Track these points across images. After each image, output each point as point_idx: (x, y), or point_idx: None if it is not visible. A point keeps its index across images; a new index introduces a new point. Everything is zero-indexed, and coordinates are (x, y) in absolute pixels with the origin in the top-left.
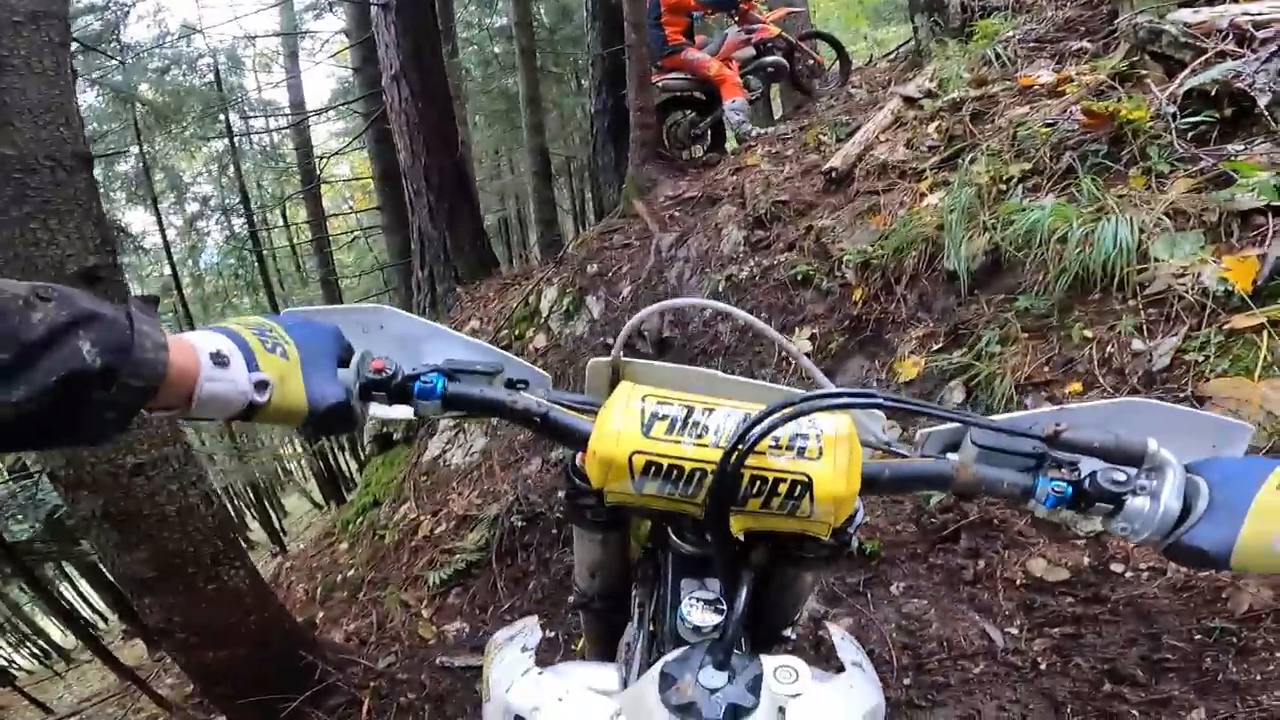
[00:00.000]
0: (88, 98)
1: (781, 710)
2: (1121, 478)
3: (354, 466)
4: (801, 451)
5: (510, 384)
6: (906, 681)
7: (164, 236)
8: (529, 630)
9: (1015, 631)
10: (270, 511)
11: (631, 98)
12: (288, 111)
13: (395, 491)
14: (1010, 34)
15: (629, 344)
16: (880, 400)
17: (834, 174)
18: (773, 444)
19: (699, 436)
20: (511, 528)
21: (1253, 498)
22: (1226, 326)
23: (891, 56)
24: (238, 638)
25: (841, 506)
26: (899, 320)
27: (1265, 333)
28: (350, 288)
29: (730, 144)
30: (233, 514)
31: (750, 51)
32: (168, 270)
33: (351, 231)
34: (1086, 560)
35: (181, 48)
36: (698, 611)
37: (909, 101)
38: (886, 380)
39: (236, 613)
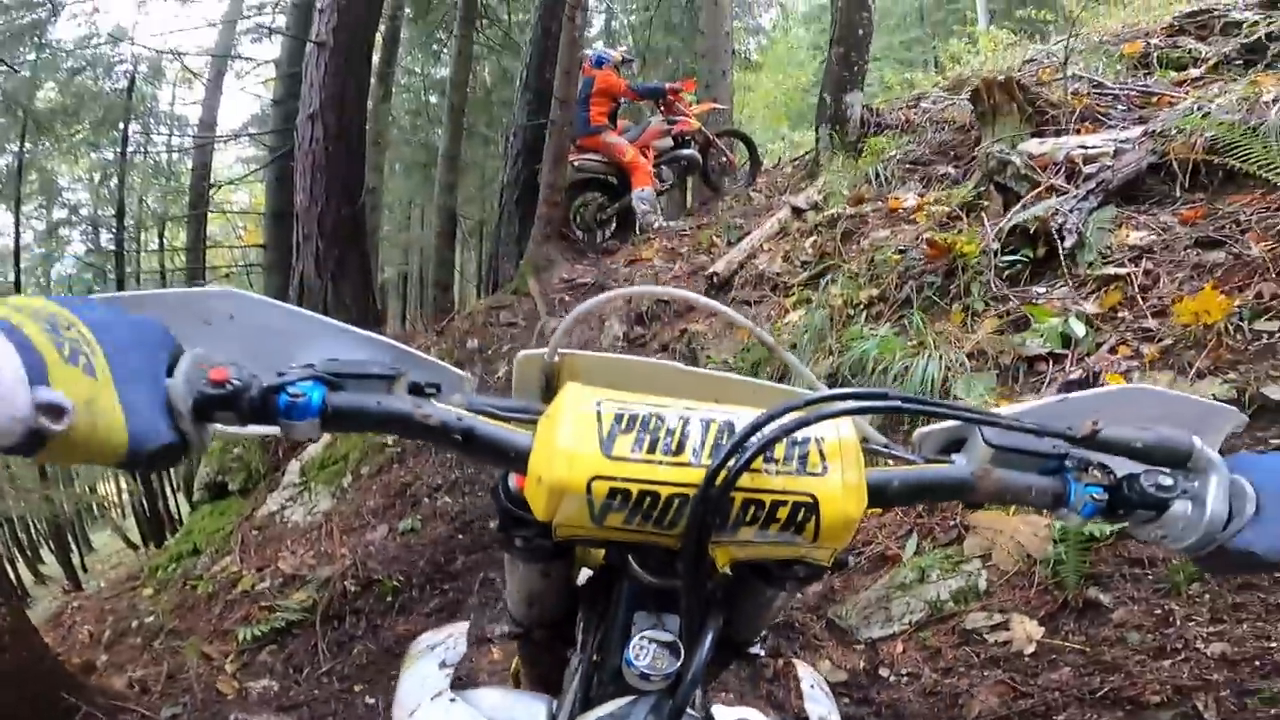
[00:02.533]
0: None
1: None
2: (1168, 482)
3: (186, 510)
4: (802, 464)
5: (416, 389)
6: None
7: (17, 239)
8: (453, 642)
9: None
10: (73, 546)
11: (544, 174)
12: (192, 130)
13: (220, 543)
14: (893, 154)
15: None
16: (898, 404)
17: (715, 279)
18: (767, 458)
19: (676, 452)
20: (344, 591)
21: None
22: None
23: (796, 161)
24: None
25: (850, 528)
26: None
27: None
28: None
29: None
30: (24, 546)
31: (668, 142)
32: (12, 276)
33: (234, 264)
34: (862, 664)
35: (105, 51)
36: (647, 656)
37: (796, 212)
38: None
39: None
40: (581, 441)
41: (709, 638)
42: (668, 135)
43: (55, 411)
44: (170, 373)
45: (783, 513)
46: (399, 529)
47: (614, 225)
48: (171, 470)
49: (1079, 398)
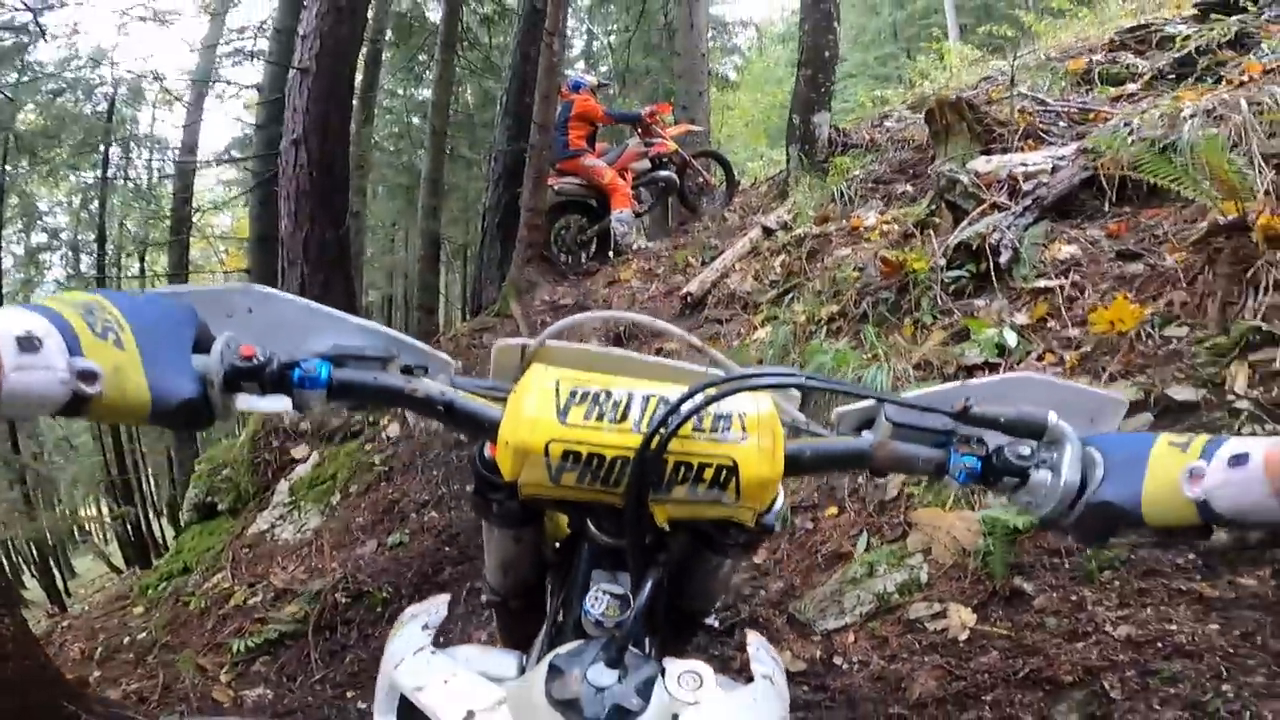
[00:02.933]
0: None
1: (675, 717)
2: (1026, 451)
3: (170, 534)
4: (725, 433)
5: (407, 370)
6: None
7: None
8: (435, 609)
9: None
10: (55, 570)
11: (525, 198)
12: (175, 149)
13: (210, 561)
14: (857, 173)
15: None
16: (801, 380)
17: (689, 298)
18: (696, 427)
19: (619, 420)
20: (335, 603)
21: (1148, 455)
22: None
23: (771, 181)
24: None
25: (767, 489)
26: None
27: None
28: None
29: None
30: (6, 569)
31: (646, 164)
32: None
33: None
34: (818, 654)
35: (84, 73)
36: (601, 605)
37: (767, 232)
38: None
39: None
40: (542, 411)
41: (650, 584)
42: (645, 157)
43: (89, 377)
44: (198, 348)
45: (708, 473)
46: (387, 543)
47: (594, 247)
48: (154, 494)
49: (978, 384)
